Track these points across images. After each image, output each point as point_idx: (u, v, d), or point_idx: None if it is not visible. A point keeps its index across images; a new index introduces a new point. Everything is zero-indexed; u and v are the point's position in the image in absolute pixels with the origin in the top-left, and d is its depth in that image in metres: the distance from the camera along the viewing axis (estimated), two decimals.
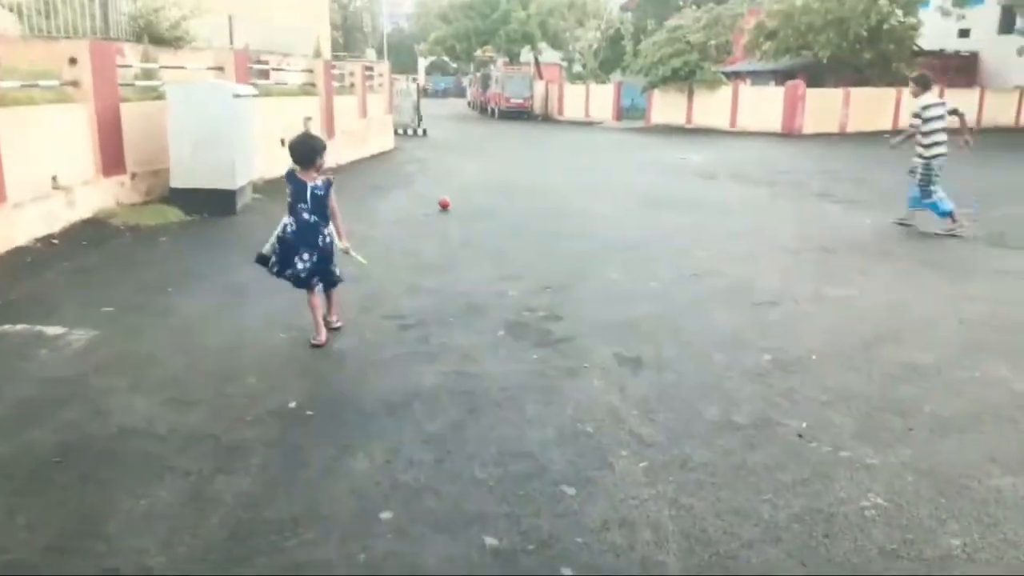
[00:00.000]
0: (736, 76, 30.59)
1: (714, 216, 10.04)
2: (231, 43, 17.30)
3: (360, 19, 71.61)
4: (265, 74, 14.16)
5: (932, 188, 8.93)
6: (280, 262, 4.79)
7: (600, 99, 34.83)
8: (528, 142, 22.40)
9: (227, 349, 4.64)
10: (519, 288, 6.24)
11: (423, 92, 38.09)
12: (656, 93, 30.62)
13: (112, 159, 8.66)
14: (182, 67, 10.66)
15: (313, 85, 13.53)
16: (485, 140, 22.76)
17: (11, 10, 13.69)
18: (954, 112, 9.04)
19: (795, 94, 25.96)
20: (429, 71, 68.26)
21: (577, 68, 40.57)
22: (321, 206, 4.78)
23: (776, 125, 26.12)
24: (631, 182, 13.27)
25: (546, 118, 34.45)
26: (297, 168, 4.79)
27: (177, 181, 9.02)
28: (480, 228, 8.74)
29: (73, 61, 8.16)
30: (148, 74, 9.92)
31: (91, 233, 7.52)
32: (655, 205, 10.82)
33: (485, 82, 39.62)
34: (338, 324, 5.04)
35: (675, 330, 5.28)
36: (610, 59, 37.54)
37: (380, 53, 61.18)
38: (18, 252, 6.51)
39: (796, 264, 7.39)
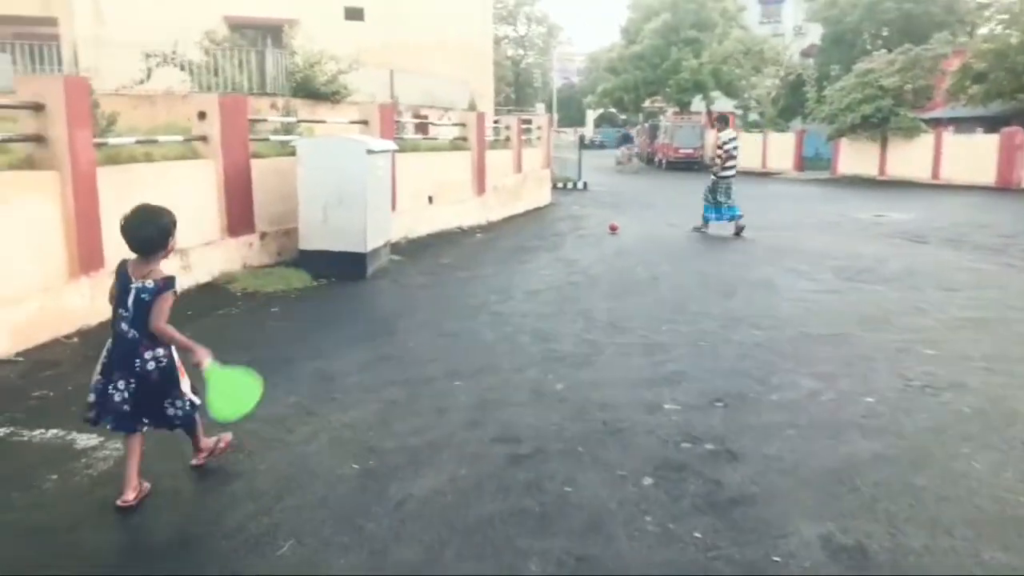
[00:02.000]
0: (936, 123, 27.17)
1: (935, 295, 7.95)
2: (391, 97, 17.20)
3: (531, 75, 72.98)
4: (423, 128, 13.66)
5: None
6: (98, 401, 3.23)
7: (779, 148, 32.32)
8: (697, 195, 20.64)
9: (267, 487, 3.49)
10: (678, 398, 4.72)
11: (589, 144, 37.34)
12: (843, 142, 27.84)
13: (240, 218, 8.10)
14: (322, 121, 10.14)
15: (465, 139, 12.77)
16: (648, 193, 21.27)
17: (182, 68, 14.22)
18: None
19: (1012, 142, 22.40)
20: (598, 123, 67.87)
21: (753, 116, 38.21)
22: (147, 317, 3.17)
23: (989, 177, 22.61)
24: (821, 245, 11.27)
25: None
26: (131, 258, 3.25)
27: (305, 242, 8.32)
28: (632, 305, 7.27)
29: (202, 115, 7.70)
30: (287, 128, 9.43)
31: (200, 302, 6.84)
32: (855, 277, 8.85)
33: (653, 133, 38.26)
34: (200, 462, 3.56)
35: (914, 494, 3.54)
36: (790, 106, 35.00)
37: (549, 107, 61.81)
38: (107, 327, 5.85)
39: None
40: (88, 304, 5.70)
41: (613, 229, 11.48)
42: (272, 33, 18.63)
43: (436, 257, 9.51)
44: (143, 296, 3.15)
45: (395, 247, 9.67)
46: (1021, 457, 3.97)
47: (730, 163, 12.09)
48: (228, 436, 3.69)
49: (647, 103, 42.53)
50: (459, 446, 3.92)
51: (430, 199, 11.52)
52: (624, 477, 3.64)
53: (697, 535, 3.13)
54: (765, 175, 30.24)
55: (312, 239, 8.26)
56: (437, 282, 8.17)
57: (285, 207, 8.53)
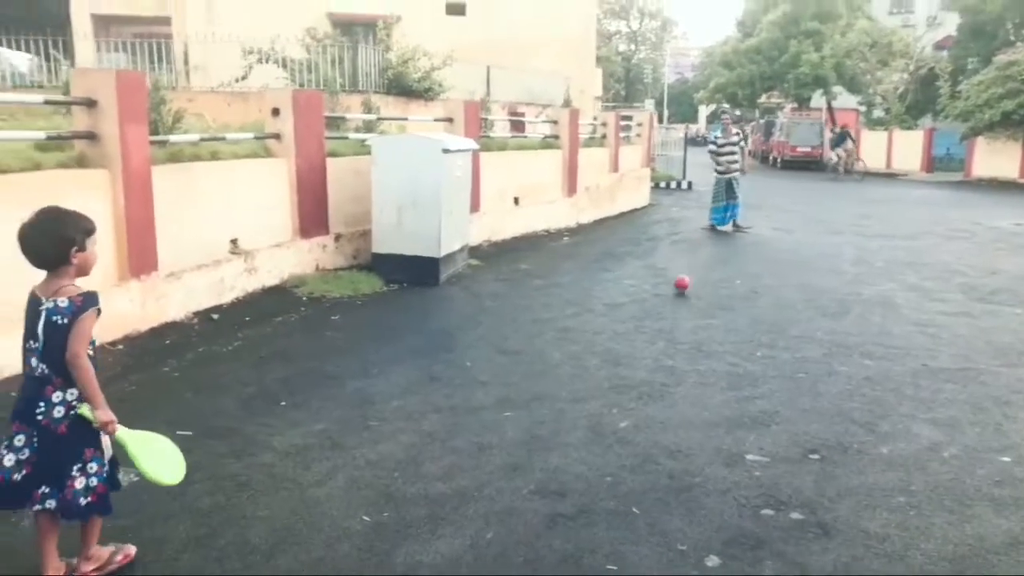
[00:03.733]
0: None
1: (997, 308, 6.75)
2: (487, 93, 16.81)
3: (642, 71, 71.22)
4: (519, 126, 13.17)
5: None
6: None
7: (906, 147, 29.87)
8: (812, 198, 19.21)
9: (260, 541, 3.05)
10: (765, 446, 3.99)
11: (700, 140, 35.88)
12: (980, 141, 25.35)
13: (312, 219, 7.84)
14: (404, 118, 9.80)
15: (556, 137, 12.18)
16: (759, 195, 20.00)
17: (281, 65, 14.31)
18: None
19: None
20: (710, 119, 65.62)
21: (878, 113, 35.60)
22: (62, 345, 2.50)
23: None
24: (950, 258, 10.01)
25: (847, 171, 29.68)
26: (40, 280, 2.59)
27: (379, 246, 7.98)
28: (724, 325, 6.48)
29: (276, 112, 7.47)
30: (368, 126, 9.14)
31: (263, 306, 6.59)
32: (990, 298, 7.70)
33: (768, 130, 36.33)
34: (89, 569, 2.69)
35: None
36: (920, 102, 32.36)
37: (660, 103, 60.05)
38: (161, 332, 5.65)
39: None
40: (138, 310, 5.50)
41: (681, 287, 7.69)
42: (375, 30, 18.67)
43: (515, 262, 8.98)
44: (55, 319, 2.49)
45: (476, 251, 9.22)
46: None
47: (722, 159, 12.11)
48: (131, 549, 2.83)
49: (763, 98, 40.45)
50: (491, 498, 3.36)
51: (516, 200, 11.01)
52: (684, 554, 2.98)
53: None
54: (890, 176, 28.03)
55: (385, 242, 7.91)
56: (511, 291, 7.64)
57: (362, 208, 8.22)
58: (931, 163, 28.86)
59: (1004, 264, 9.63)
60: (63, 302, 2.50)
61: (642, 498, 3.42)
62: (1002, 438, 4.19)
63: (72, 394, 2.55)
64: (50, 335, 2.50)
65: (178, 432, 3.96)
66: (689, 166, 21.38)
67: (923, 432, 4.25)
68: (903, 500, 3.46)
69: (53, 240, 2.51)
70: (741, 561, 2.93)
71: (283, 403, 4.43)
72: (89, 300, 2.54)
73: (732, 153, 12.05)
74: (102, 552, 2.74)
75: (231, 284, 6.64)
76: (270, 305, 6.64)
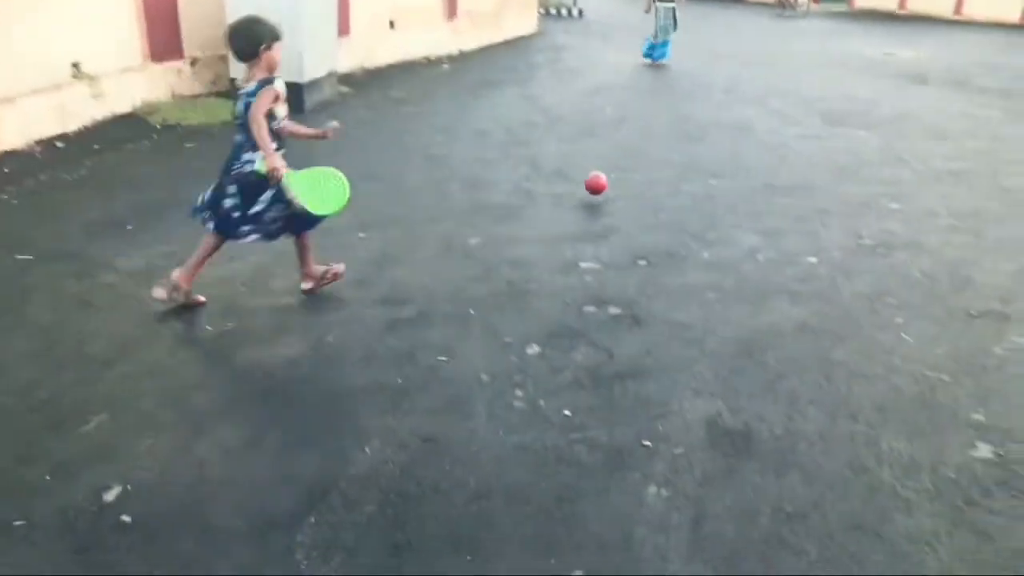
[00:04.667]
0: None
1: (921, 143, 7.32)
2: None
3: None
4: None
5: None
6: (209, 206, 3.39)
7: None
8: (700, 27, 19.16)
9: (99, 352, 3.15)
10: (601, 256, 4.30)
11: None
12: None
13: (164, 41, 7.32)
14: None
15: None
16: (648, 24, 19.76)
17: None
18: None
19: None
20: None
21: None
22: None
23: (1014, 14, 20.93)
24: (816, 86, 10.42)
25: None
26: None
27: (236, 70, 7.59)
28: (588, 150, 6.67)
29: None
30: None
31: (113, 134, 6.27)
32: (841, 121, 8.16)
33: None
34: (309, 287, 3.65)
35: (827, 371, 3.20)
36: None
37: None
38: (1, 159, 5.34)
39: None
40: None
41: (594, 190, 5.25)
42: None
43: (388, 90, 8.76)
44: (248, 100, 3.22)
45: (347, 78, 8.90)
46: (960, 331, 3.61)
47: None
48: (340, 267, 3.74)
49: None
50: (335, 308, 3.55)
51: (391, 24, 10.53)
52: (509, 344, 3.29)
53: (566, 413, 2.81)
54: (780, 5, 28.12)
55: (241, 66, 7.51)
56: (380, 118, 7.52)
57: (221, 30, 7.69)
58: None
59: (863, 91, 10.11)
60: (251, 86, 3.25)
61: (479, 303, 3.68)
62: (815, 243, 4.65)
63: (252, 155, 3.25)
64: (243, 111, 3.23)
65: (17, 256, 3.90)
66: None
67: (746, 240, 4.66)
68: (712, 296, 3.86)
69: (248, 38, 3.26)
70: (558, 349, 3.26)
71: (129, 227, 4.38)
72: (264, 82, 3.24)
73: None
74: (317, 269, 3.62)
75: (76, 111, 6.24)
76: (120, 133, 6.32)
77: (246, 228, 3.31)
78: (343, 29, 8.89)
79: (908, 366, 3.26)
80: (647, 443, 2.66)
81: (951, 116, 8.71)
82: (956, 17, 22.50)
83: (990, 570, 2.18)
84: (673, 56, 12.01)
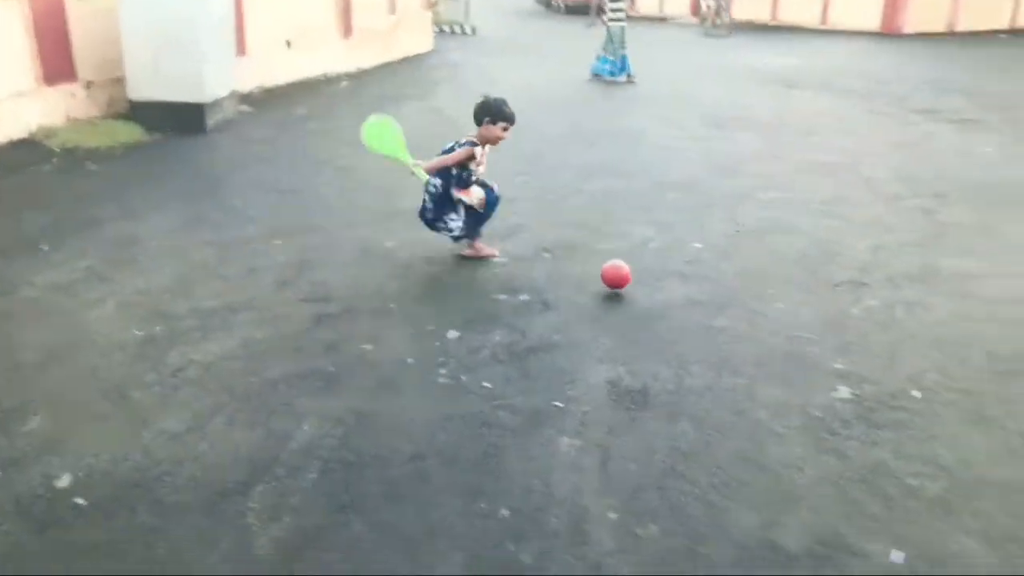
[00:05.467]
0: None
1: (792, 140, 8.04)
2: None
3: None
4: None
5: None
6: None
7: None
8: (590, 41, 19.98)
9: (31, 358, 3.24)
10: (510, 250, 4.63)
11: None
12: None
13: (56, 64, 7.23)
14: None
15: None
16: (540, 39, 20.42)
17: None
18: None
19: None
20: None
21: None
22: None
23: (874, 23, 22.77)
24: (698, 93, 11.15)
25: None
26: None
27: (135, 92, 7.56)
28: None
29: None
30: None
31: (10, 158, 6.19)
32: (722, 124, 8.83)
33: None
34: (467, 254, 4.55)
35: (711, 336, 3.62)
36: None
37: None
38: None
39: (896, 218, 5.50)
40: None
41: (613, 283, 4.15)
42: None
43: (290, 107, 8.89)
44: (455, 145, 4.42)
45: (247, 98, 8.96)
46: (826, 298, 4.11)
47: (613, 9, 12.28)
48: (495, 251, 4.52)
49: None
50: (261, 308, 3.73)
51: (288, 43, 10.64)
52: (431, 331, 3.56)
53: (487, 385, 3.11)
54: (662, 20, 29.55)
55: (142, 88, 7.51)
56: (284, 135, 7.65)
57: (115, 52, 7.66)
58: (697, 7, 30.63)
59: (739, 96, 10.90)
60: (463, 140, 4.42)
61: (400, 297, 3.94)
62: (699, 232, 5.13)
63: (435, 180, 4.36)
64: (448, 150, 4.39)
65: None
66: (480, 11, 21.26)
67: (639, 231, 5.09)
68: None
69: (479, 110, 4.42)
70: (476, 332, 3.56)
71: (44, 248, 4.41)
72: (471, 143, 4.36)
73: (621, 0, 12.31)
74: (481, 246, 4.52)
75: None
76: (19, 157, 6.24)
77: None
78: (240, 49, 8.96)
79: (781, 329, 3.72)
80: (559, 404, 2.99)
81: (819, 116, 9.55)
82: (823, 26, 24.25)
83: (846, 483, 2.61)
84: (556, 70, 12.56)
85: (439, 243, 4.73)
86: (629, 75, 12.07)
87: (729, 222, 5.32)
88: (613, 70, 12.14)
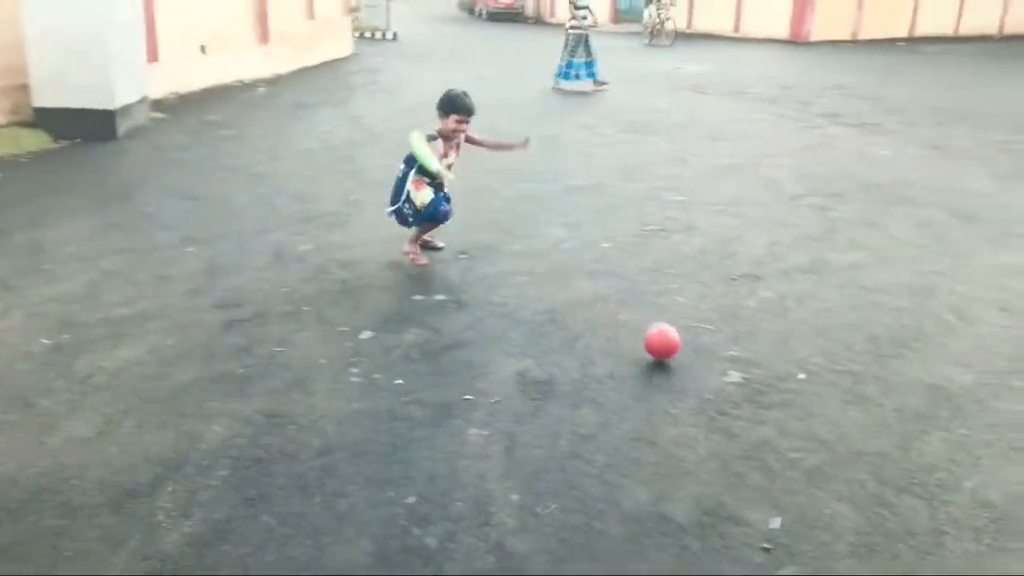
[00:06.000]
0: None
1: (700, 145, 8.39)
2: None
3: None
4: None
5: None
6: None
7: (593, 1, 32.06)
8: (507, 48, 20.28)
9: None
10: (433, 256, 4.73)
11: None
12: None
13: None
14: None
15: None
16: (460, 46, 20.61)
17: None
18: None
19: None
20: None
21: None
22: None
23: (783, 31, 23.78)
24: (614, 99, 11.50)
25: (537, 21, 31.83)
26: None
27: (40, 99, 7.37)
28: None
29: None
30: None
31: None
32: (635, 129, 9.14)
33: None
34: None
35: (615, 328, 3.81)
36: None
37: None
38: None
39: (792, 216, 5.84)
40: None
41: (661, 353, 3.52)
42: None
43: (204, 114, 8.78)
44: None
45: (160, 104, 8.81)
46: (722, 291, 4.35)
47: (575, 18, 12.50)
48: (425, 261, 4.58)
49: None
50: (172, 316, 3.73)
51: (203, 48, 10.48)
52: (344, 333, 3.63)
53: (399, 382, 3.21)
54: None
55: (48, 95, 7.33)
56: (198, 142, 7.57)
57: (19, 57, 7.43)
58: (616, 15, 31.39)
59: (653, 101, 11.28)
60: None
61: (314, 300, 4.00)
62: (607, 232, 5.34)
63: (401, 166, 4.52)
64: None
65: None
66: (401, 17, 21.27)
67: (552, 232, 5.27)
68: (524, 279, 4.40)
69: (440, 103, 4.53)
70: (390, 332, 3.66)
71: None
72: (431, 137, 4.48)
73: (585, 7, 12.40)
74: (416, 247, 4.60)
75: None
76: None
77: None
78: (151, 55, 8.80)
79: (680, 320, 3.92)
80: (469, 397, 3.11)
81: (728, 121, 9.98)
82: (735, 34, 25.20)
83: (733, 458, 2.81)
84: (481, 77, 12.71)
85: (355, 247, 4.81)
86: (597, 81, 12.23)
87: (635, 222, 5.55)
88: (567, 74, 12.22)
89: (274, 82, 11.59)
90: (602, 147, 8.14)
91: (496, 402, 3.09)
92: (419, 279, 4.33)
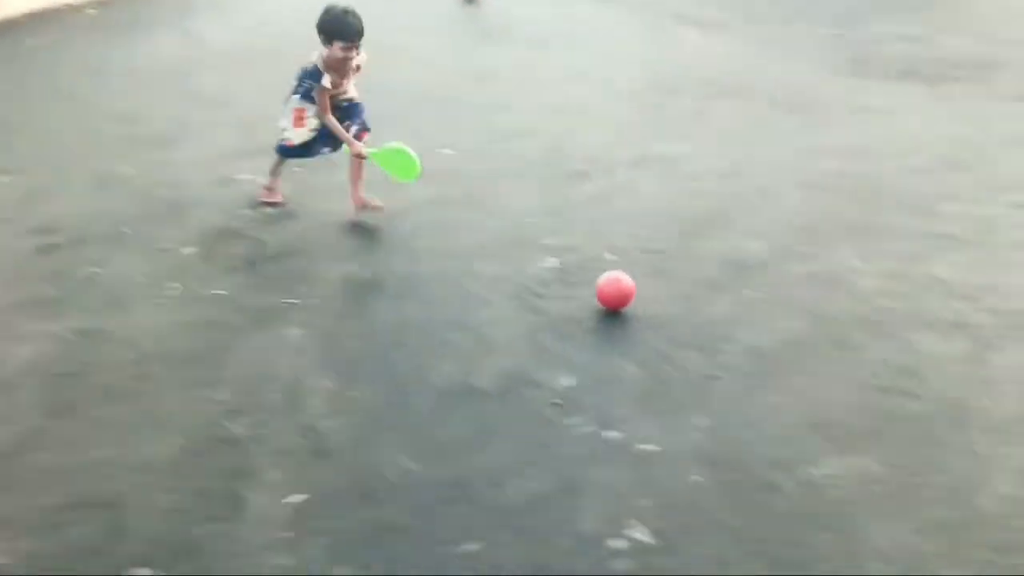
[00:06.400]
0: None
1: (554, 52, 8.45)
2: None
3: None
4: None
5: None
6: None
7: None
8: None
9: None
10: (259, 168, 4.64)
11: None
12: None
13: None
14: None
15: None
16: None
17: None
18: None
19: None
20: None
21: None
22: None
23: None
24: (475, 11, 11.27)
25: None
26: None
27: None
28: (243, 78, 6.87)
29: None
30: None
31: None
32: (491, 39, 9.07)
33: None
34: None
35: (447, 228, 3.94)
36: None
37: None
38: None
39: (629, 114, 6.07)
40: None
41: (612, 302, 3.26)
42: None
43: (24, 38, 8.09)
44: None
45: None
46: (552, 187, 4.53)
47: None
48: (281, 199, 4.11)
49: None
50: None
51: None
52: (165, 250, 3.61)
53: (221, 292, 3.25)
54: None
55: None
56: (16, 68, 7.01)
57: None
58: None
59: (521, 11, 11.15)
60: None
61: (136, 222, 3.91)
62: (453, 138, 5.39)
63: None
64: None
65: None
66: None
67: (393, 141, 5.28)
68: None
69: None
70: (214, 246, 3.65)
71: None
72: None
73: None
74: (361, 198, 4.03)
75: None
76: None
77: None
78: None
79: (507, 215, 4.11)
80: (292, 301, 3.19)
81: (581, 26, 10.00)
82: None
83: (538, 331, 3.04)
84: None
85: (183, 167, 4.68)
86: None
87: (480, 131, 5.63)
88: None
89: (105, 4, 10.72)
90: (446, 56, 8.05)
91: (318, 303, 3.19)
92: (250, 195, 4.29)
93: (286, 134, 4.01)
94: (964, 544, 2.10)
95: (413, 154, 3.89)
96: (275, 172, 4.14)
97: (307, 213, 4.07)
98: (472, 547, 2.03)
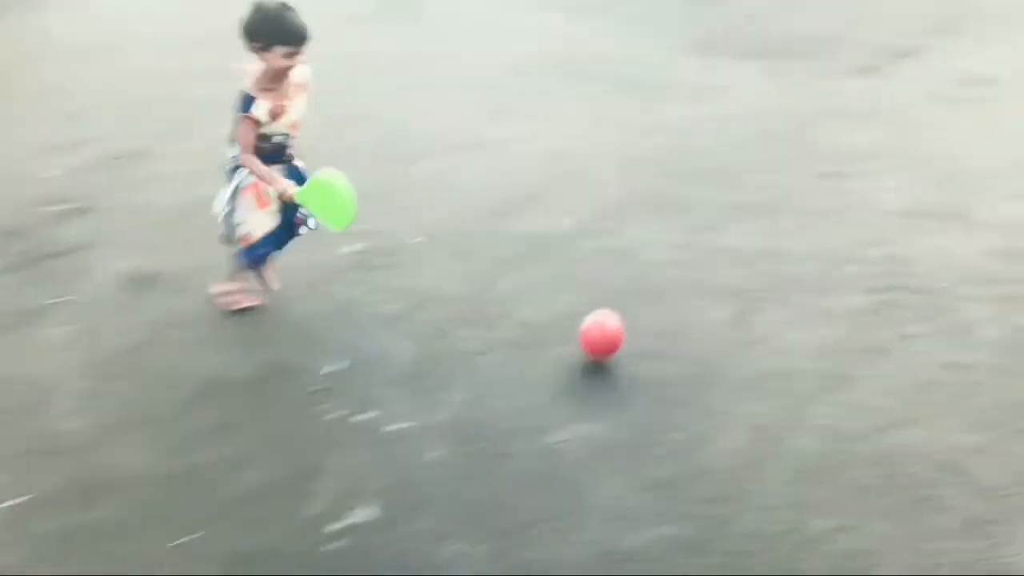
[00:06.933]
0: None
1: (397, 38, 8.36)
2: None
3: None
4: None
5: None
6: None
7: None
8: None
9: None
10: (71, 162, 4.43)
11: None
12: None
13: None
14: None
15: None
16: None
17: None
18: None
19: None
20: None
21: None
22: None
23: None
24: None
25: None
26: None
27: None
28: (87, 74, 6.56)
29: None
30: None
31: None
32: (353, 21, 8.90)
33: None
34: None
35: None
36: None
37: None
38: None
39: (470, 98, 6.06)
40: None
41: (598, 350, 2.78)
42: None
43: None
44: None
45: None
46: (385, 172, 4.41)
47: None
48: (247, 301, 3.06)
49: None
50: None
51: None
52: None
53: None
54: None
55: None
56: None
57: None
58: None
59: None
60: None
61: None
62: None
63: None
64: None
65: None
66: None
67: (212, 132, 5.13)
68: (176, 182, 4.28)
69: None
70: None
71: None
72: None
73: None
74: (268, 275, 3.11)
75: None
76: None
77: None
78: None
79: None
80: (55, 300, 3.07)
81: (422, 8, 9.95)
82: None
83: (313, 319, 3.01)
84: None
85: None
86: None
87: (311, 117, 5.50)
88: None
89: None
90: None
91: (87, 301, 3.08)
92: (51, 190, 4.09)
93: (242, 229, 2.87)
94: (679, 498, 2.20)
95: (346, 191, 2.93)
96: (236, 277, 3.05)
97: (106, 207, 3.91)
98: (185, 539, 2.01)
